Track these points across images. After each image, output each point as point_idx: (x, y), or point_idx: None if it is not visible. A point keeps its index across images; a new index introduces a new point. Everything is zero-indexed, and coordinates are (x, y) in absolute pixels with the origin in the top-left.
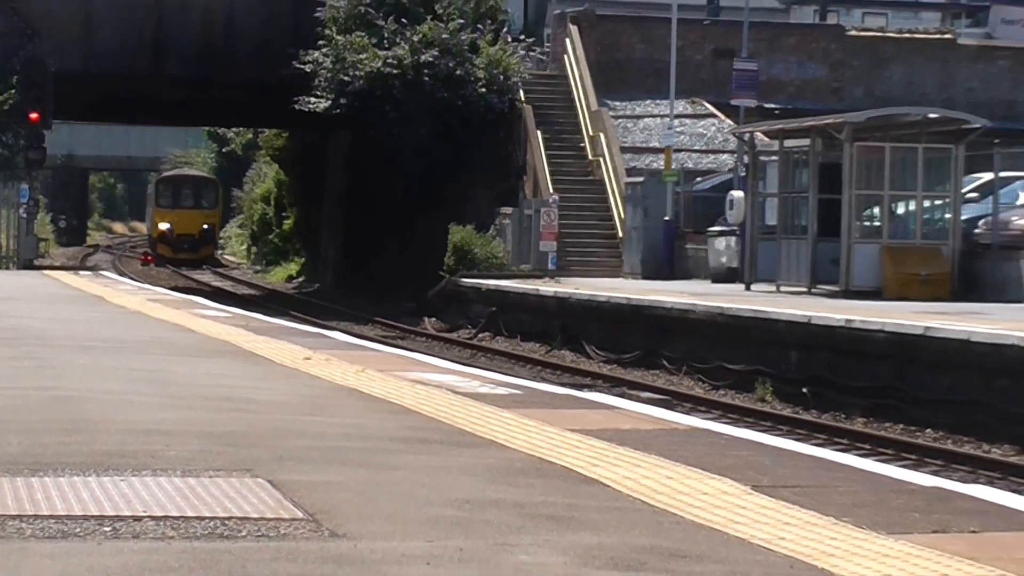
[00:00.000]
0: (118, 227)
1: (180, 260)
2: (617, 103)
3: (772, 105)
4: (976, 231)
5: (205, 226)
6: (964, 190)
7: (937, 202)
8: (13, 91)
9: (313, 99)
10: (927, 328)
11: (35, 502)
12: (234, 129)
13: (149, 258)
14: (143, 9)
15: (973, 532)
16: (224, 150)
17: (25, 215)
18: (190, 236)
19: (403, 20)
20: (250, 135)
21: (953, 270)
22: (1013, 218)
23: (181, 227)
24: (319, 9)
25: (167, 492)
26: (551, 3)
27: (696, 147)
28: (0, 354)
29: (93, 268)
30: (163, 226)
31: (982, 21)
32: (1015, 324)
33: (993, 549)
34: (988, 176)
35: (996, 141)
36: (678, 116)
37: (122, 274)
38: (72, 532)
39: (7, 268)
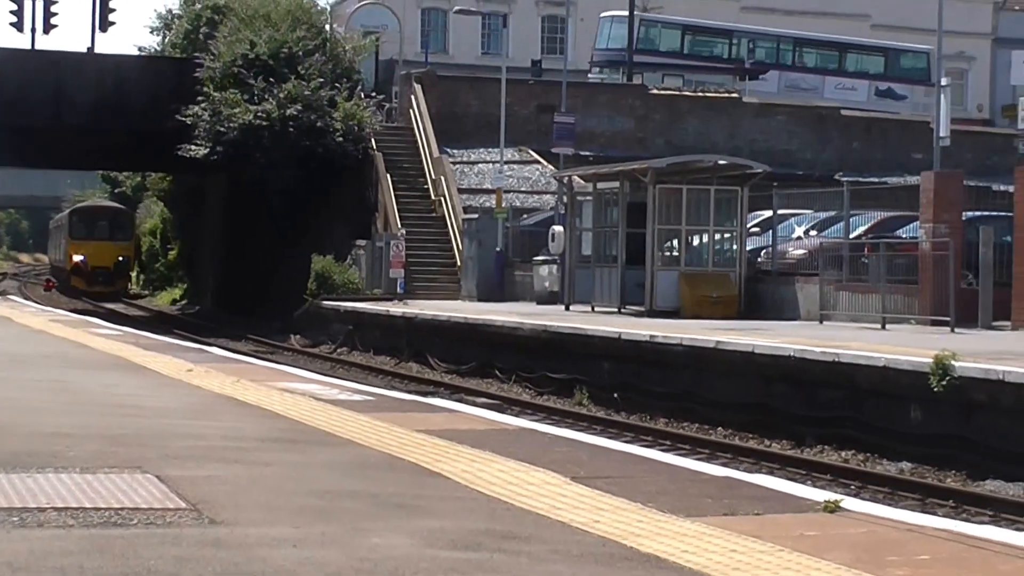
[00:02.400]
0: (24, 257)
1: (94, 294)
2: (455, 151)
3: (587, 153)
4: (759, 260)
5: (120, 258)
6: (748, 225)
7: (726, 235)
8: None
9: (193, 147)
10: (718, 342)
11: None
12: (125, 172)
13: (51, 284)
14: (44, 68)
15: (757, 514)
16: (116, 191)
17: None
18: (105, 269)
19: (271, 79)
20: (139, 178)
21: (740, 293)
22: (789, 249)
23: (96, 259)
24: (198, 69)
25: (68, 486)
26: (398, 64)
27: (523, 188)
28: None
29: (1, 293)
30: (77, 258)
31: (763, 82)
32: (791, 338)
33: (773, 528)
34: (768, 214)
35: (775, 184)
36: (507, 162)
37: (27, 298)
38: None
39: None
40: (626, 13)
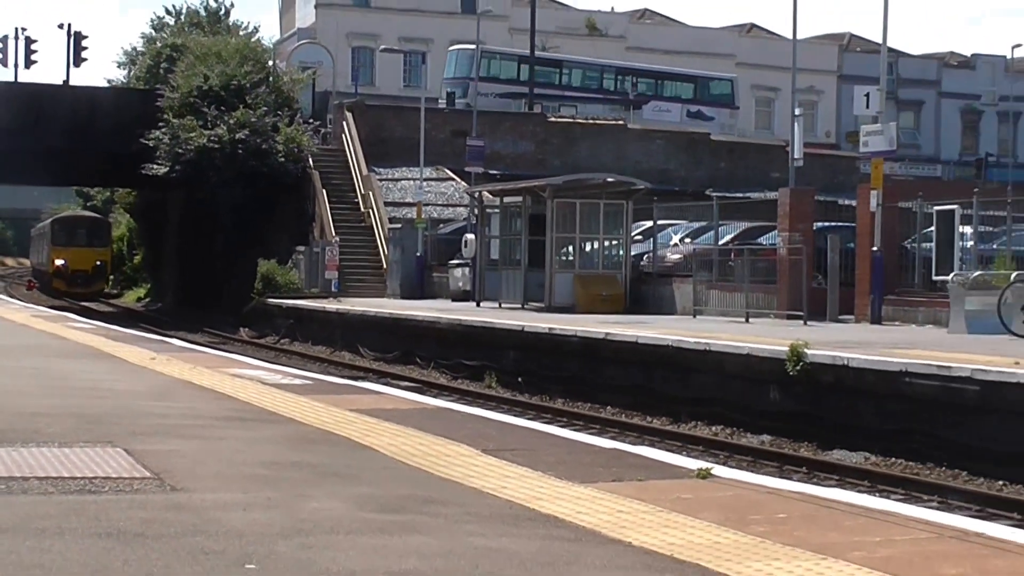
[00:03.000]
0: (9, 261)
1: (74, 294)
2: (382, 169)
3: (495, 171)
4: (641, 263)
5: (98, 262)
6: (632, 233)
7: (613, 242)
8: None
9: (155, 166)
10: (607, 334)
11: None
12: (96, 188)
13: (32, 285)
14: (25, 98)
15: (640, 480)
16: (88, 204)
17: None
18: (84, 272)
19: (222, 108)
20: (108, 192)
21: (625, 291)
22: (667, 254)
23: (75, 263)
24: (159, 99)
25: (47, 459)
26: (332, 95)
27: (439, 202)
28: None
29: None
30: (58, 262)
31: (645, 111)
32: (669, 331)
33: (654, 492)
34: (649, 224)
35: (655, 198)
36: (426, 179)
37: (11, 296)
38: None
39: None
40: (472, 46)
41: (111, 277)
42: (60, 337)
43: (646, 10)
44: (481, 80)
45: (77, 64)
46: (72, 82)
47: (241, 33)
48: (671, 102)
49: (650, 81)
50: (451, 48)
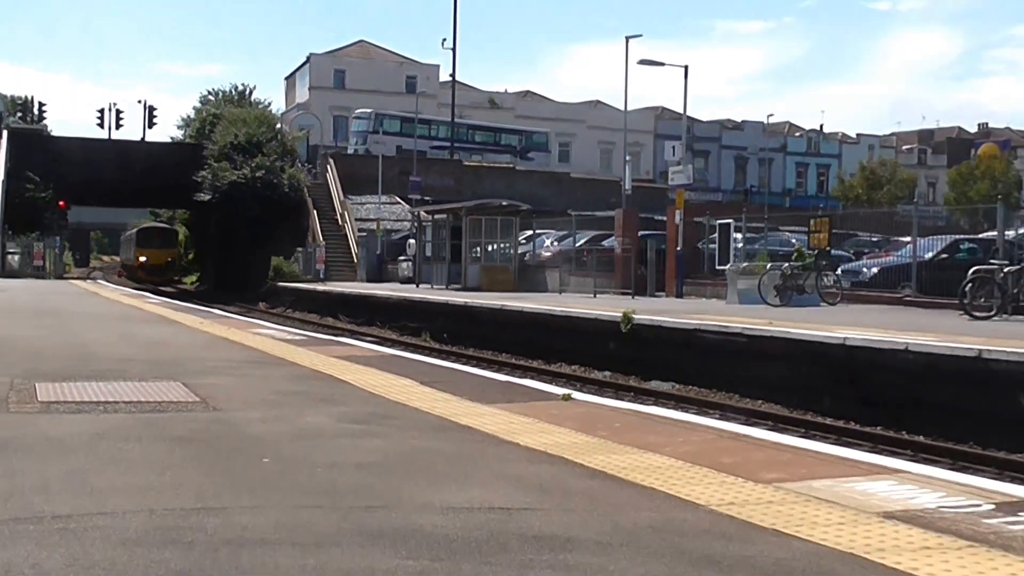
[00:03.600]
0: (107, 259)
1: (152, 281)
2: (353, 197)
3: (428, 198)
4: (526, 258)
5: (168, 259)
6: (520, 239)
7: (507, 244)
8: (50, 191)
9: (202, 194)
10: (503, 305)
11: (65, 395)
12: (162, 209)
13: (122, 274)
14: (116, 149)
15: (524, 402)
16: (157, 219)
17: (58, 251)
18: (159, 265)
19: (246, 155)
20: (171, 212)
21: (515, 277)
22: (542, 252)
23: (153, 259)
24: (205, 150)
25: (131, 389)
26: (320, 147)
27: (392, 218)
28: (40, 321)
29: (93, 278)
30: (142, 258)
31: (530, 158)
32: (543, 303)
33: (534, 410)
34: (530, 232)
35: (534, 215)
36: (383, 204)
37: (108, 282)
38: (82, 409)
39: (49, 279)
40: (370, 110)
41: (176, 268)
42: (139, 309)
43: (528, 91)
44: (373, 133)
45: (150, 127)
46: (147, 139)
47: (259, 106)
48: (505, 151)
49: (489, 134)
50: (355, 113)
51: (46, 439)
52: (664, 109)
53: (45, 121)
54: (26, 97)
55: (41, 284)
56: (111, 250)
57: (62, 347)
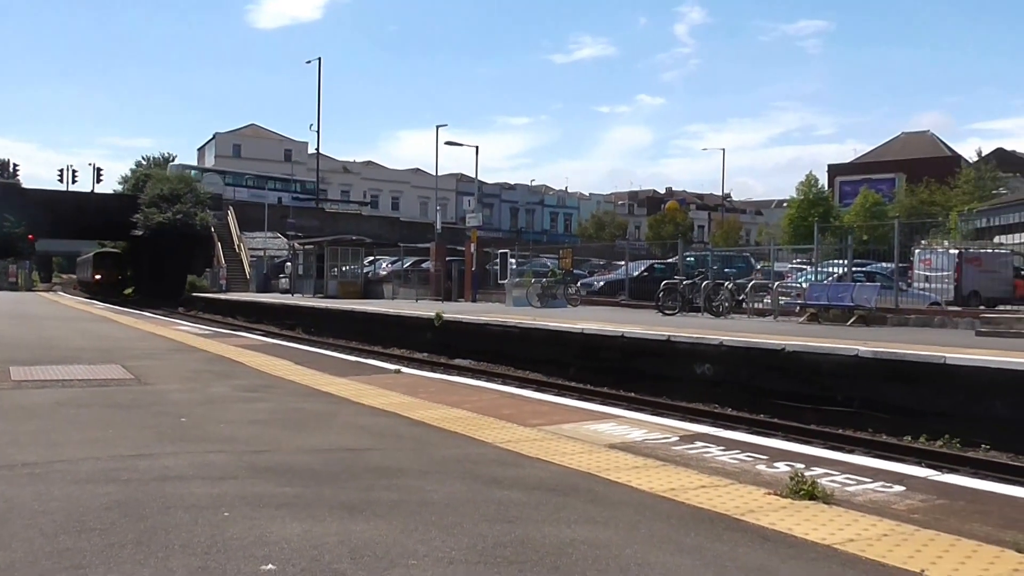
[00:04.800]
0: (65, 276)
1: (104, 293)
2: (248, 233)
3: (302, 235)
4: (370, 275)
5: (119, 276)
6: (366, 262)
7: (356, 267)
8: (23, 227)
9: (137, 231)
10: (352, 308)
11: (33, 375)
12: (108, 239)
13: (77, 287)
14: (73, 199)
15: (368, 375)
16: (103, 247)
17: (28, 271)
18: (110, 282)
19: (169, 202)
20: (114, 242)
21: (362, 289)
22: (381, 271)
23: (106, 277)
24: (139, 199)
25: (83, 370)
26: (223, 198)
27: (275, 248)
28: (15, 324)
29: (55, 291)
30: (97, 276)
31: (374, 204)
32: (381, 307)
33: (375, 380)
34: (372, 258)
35: (375, 246)
36: (270, 238)
37: (66, 293)
38: (46, 385)
39: (21, 291)
40: (181, 163)
41: (122, 283)
42: (90, 312)
43: (371, 161)
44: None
45: (98, 182)
46: (96, 191)
47: (179, 168)
48: (280, 191)
49: (276, 182)
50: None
51: (19, 407)
52: (463, 175)
53: (18, 176)
54: (3, 160)
55: (14, 295)
56: (69, 270)
57: (31, 340)
